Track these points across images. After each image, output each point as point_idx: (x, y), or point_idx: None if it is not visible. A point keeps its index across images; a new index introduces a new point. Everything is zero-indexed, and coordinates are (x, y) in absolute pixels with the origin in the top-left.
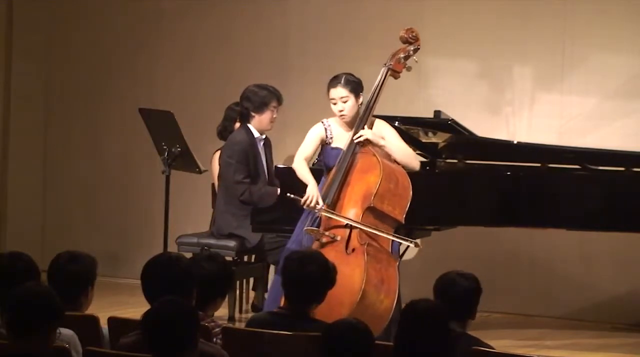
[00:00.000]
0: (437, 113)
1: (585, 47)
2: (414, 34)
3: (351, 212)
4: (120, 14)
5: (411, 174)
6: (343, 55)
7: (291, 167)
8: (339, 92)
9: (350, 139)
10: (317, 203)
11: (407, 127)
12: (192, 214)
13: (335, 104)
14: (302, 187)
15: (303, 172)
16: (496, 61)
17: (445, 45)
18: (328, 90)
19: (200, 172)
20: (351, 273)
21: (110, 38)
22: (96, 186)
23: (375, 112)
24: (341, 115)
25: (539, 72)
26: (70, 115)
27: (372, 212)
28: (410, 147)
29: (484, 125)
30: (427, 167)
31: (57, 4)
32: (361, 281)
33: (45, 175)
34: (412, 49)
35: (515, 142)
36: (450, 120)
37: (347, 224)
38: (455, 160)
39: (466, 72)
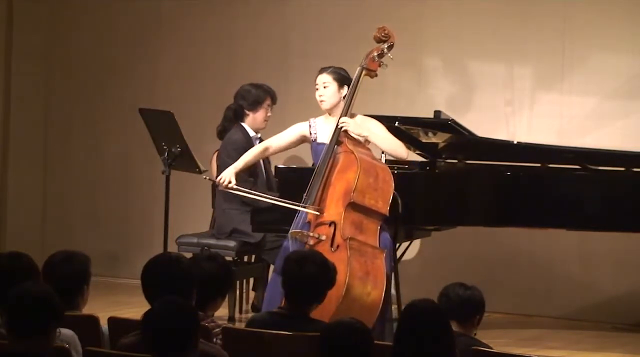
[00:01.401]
0: (437, 113)
1: (585, 47)
2: (385, 32)
3: (334, 210)
4: (120, 14)
5: (411, 174)
6: (343, 56)
7: (291, 167)
8: (322, 78)
9: (331, 135)
10: (230, 182)
11: (407, 127)
12: (192, 214)
13: (317, 89)
14: (302, 187)
15: (246, 154)
16: (496, 61)
17: (445, 45)
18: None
19: (200, 172)
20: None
21: (110, 38)
22: (96, 186)
23: (375, 112)
24: (321, 101)
25: (539, 72)
26: (70, 115)
27: (355, 208)
28: (411, 147)
29: (484, 125)
30: (427, 167)
31: (57, 4)
32: (345, 275)
33: (45, 175)
34: (385, 47)
35: (515, 142)
36: (450, 120)
37: (330, 223)
38: (455, 160)
39: (466, 72)
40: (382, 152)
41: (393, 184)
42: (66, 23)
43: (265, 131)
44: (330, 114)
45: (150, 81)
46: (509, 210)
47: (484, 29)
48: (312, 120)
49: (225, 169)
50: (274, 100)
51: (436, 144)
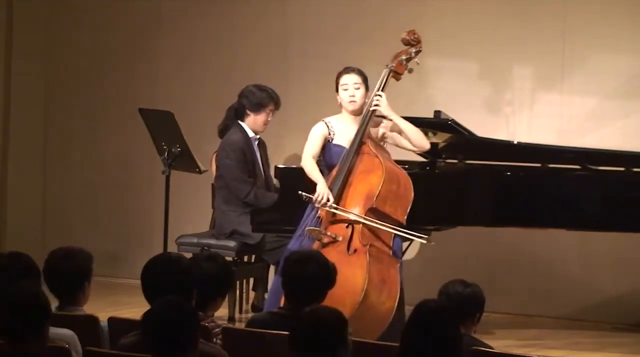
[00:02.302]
0: (437, 113)
1: (585, 47)
2: (415, 36)
3: (354, 211)
4: (120, 14)
5: (411, 174)
6: (343, 56)
7: (291, 167)
8: (354, 78)
9: (353, 137)
10: (328, 200)
11: None
12: (192, 214)
13: (346, 89)
14: (301, 187)
15: (312, 170)
16: (496, 61)
17: (446, 45)
18: (339, 78)
19: (200, 172)
20: (353, 273)
21: (110, 38)
22: (96, 186)
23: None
24: (351, 101)
25: (539, 72)
26: (70, 115)
27: (374, 213)
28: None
29: (484, 125)
30: (427, 167)
31: (57, 4)
32: (364, 281)
33: (45, 175)
34: (413, 51)
35: (515, 142)
36: (450, 120)
37: (348, 225)
38: (455, 160)
39: (466, 72)
40: None
41: (412, 193)
42: (66, 23)
43: (266, 131)
44: (347, 117)
45: (150, 81)
46: (509, 210)
47: (484, 29)
48: (326, 120)
49: (225, 170)
50: (277, 107)
51: (436, 144)
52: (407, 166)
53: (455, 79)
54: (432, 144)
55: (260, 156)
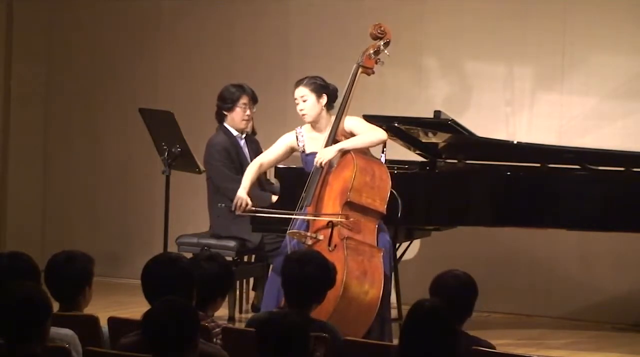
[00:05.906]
0: (437, 113)
1: (585, 47)
2: (382, 29)
3: (331, 210)
4: (120, 14)
5: (411, 174)
6: (343, 56)
7: (291, 167)
8: (299, 91)
9: (322, 145)
10: (247, 205)
11: (407, 127)
12: (192, 214)
13: (297, 104)
14: (302, 186)
15: (246, 174)
16: (496, 61)
17: (445, 45)
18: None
19: (200, 172)
20: None
21: (111, 38)
22: (96, 186)
23: (375, 113)
24: (302, 115)
25: (539, 72)
26: (70, 115)
27: (351, 206)
28: (410, 147)
29: (484, 125)
30: (427, 167)
31: (57, 4)
32: (342, 274)
33: (45, 175)
34: (381, 43)
35: (515, 142)
36: (450, 120)
37: (328, 223)
38: (455, 160)
39: (466, 72)
40: (382, 152)
41: (390, 182)
42: (66, 23)
43: (267, 131)
44: (313, 126)
45: (150, 81)
46: (509, 210)
47: (483, 29)
48: (298, 129)
49: (213, 172)
50: (252, 99)
51: (436, 144)
52: (407, 166)
53: (455, 79)
54: (432, 144)
55: (252, 153)
